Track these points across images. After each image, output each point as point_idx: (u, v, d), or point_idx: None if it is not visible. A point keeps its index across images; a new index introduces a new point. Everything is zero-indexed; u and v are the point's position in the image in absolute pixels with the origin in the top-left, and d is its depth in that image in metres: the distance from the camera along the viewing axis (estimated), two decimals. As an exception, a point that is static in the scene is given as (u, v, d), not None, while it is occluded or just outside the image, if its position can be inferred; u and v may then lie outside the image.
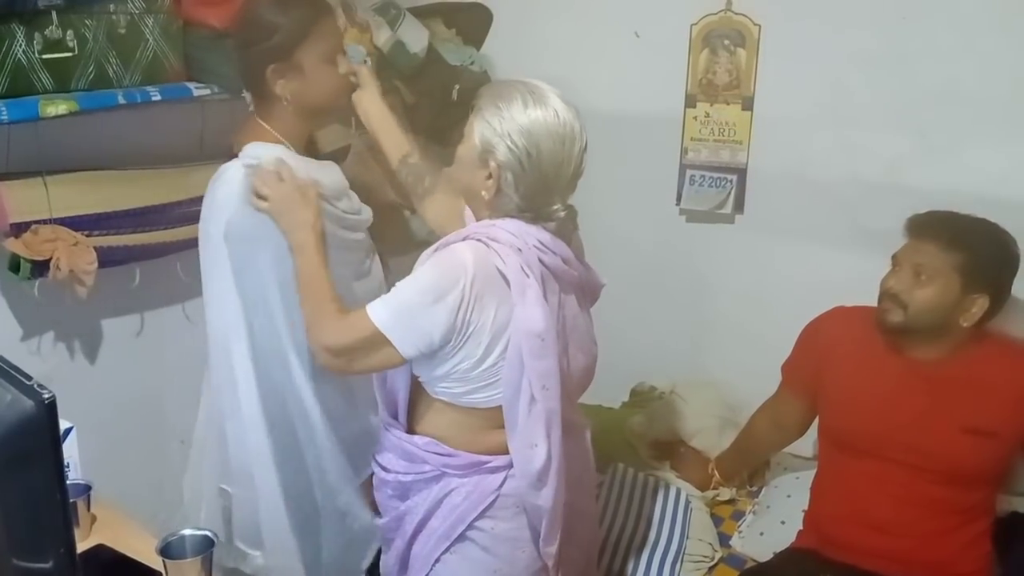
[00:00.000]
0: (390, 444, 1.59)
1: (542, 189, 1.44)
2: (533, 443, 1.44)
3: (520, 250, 1.42)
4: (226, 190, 1.59)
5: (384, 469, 1.59)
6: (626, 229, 2.60)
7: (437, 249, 1.46)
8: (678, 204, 2.49)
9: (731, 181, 2.39)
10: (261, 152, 1.61)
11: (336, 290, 1.50)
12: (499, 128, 1.41)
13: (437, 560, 1.54)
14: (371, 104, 1.78)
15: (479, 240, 1.43)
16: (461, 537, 1.52)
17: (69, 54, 1.72)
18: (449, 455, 1.51)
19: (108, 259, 1.88)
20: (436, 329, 1.39)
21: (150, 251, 1.96)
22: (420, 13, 2.55)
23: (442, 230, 1.64)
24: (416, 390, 1.56)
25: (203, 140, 2.07)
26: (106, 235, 1.89)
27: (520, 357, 1.41)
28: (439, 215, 1.74)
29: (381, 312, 1.41)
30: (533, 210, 1.45)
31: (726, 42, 2.33)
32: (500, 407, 1.46)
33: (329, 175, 1.69)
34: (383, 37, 2.36)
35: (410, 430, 1.58)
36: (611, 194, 2.59)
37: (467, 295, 1.38)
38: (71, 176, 1.85)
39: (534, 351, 1.41)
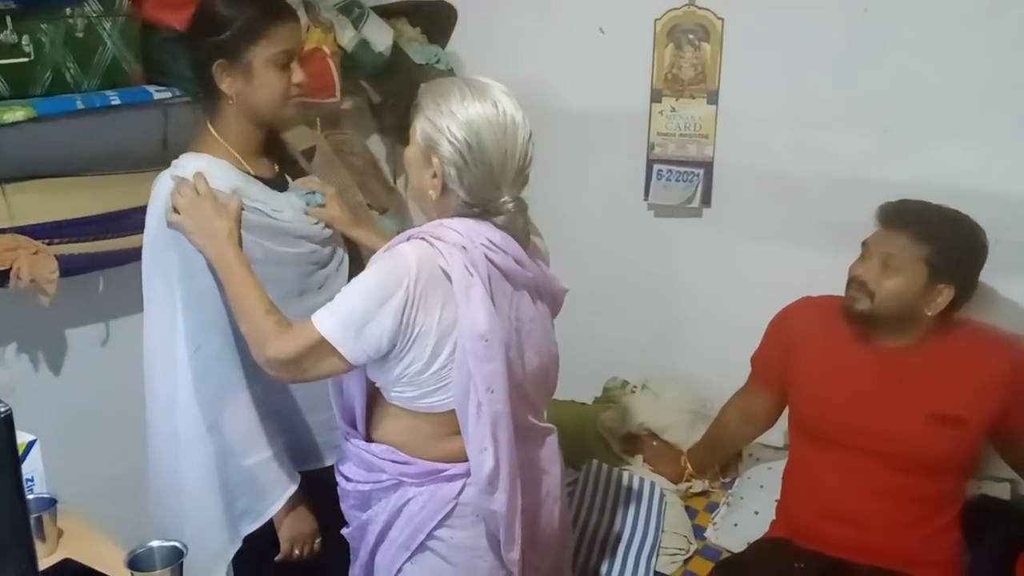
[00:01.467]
0: (350, 453, 1.57)
1: (487, 182, 1.41)
2: (483, 447, 1.42)
3: (465, 248, 1.39)
4: (153, 201, 1.59)
5: (346, 479, 1.58)
6: (595, 224, 2.61)
7: (386, 251, 1.44)
8: (646, 199, 2.49)
9: (698, 175, 2.40)
10: (189, 163, 1.60)
11: (270, 301, 1.48)
12: (439, 123, 1.39)
13: (399, 570, 1.52)
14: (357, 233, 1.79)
15: (423, 239, 1.41)
16: (421, 547, 1.50)
17: (25, 59, 1.69)
18: (406, 463, 1.49)
19: (71, 267, 1.86)
20: (384, 333, 1.37)
21: (114, 258, 1.93)
22: (384, 12, 2.54)
23: None
24: (373, 398, 1.54)
25: (166, 144, 2.05)
26: (68, 243, 1.86)
27: (466, 360, 1.39)
28: None
29: (326, 320, 1.39)
30: (481, 204, 1.43)
31: (690, 36, 2.34)
32: (454, 411, 1.44)
33: (262, 189, 1.65)
34: (347, 36, 2.34)
35: (368, 438, 1.56)
36: (579, 190, 2.60)
37: (412, 295, 1.36)
38: (31, 184, 1.82)
39: (478, 353, 1.38)
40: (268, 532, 1.68)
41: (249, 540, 1.67)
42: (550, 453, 1.63)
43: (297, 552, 1.71)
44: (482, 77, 1.46)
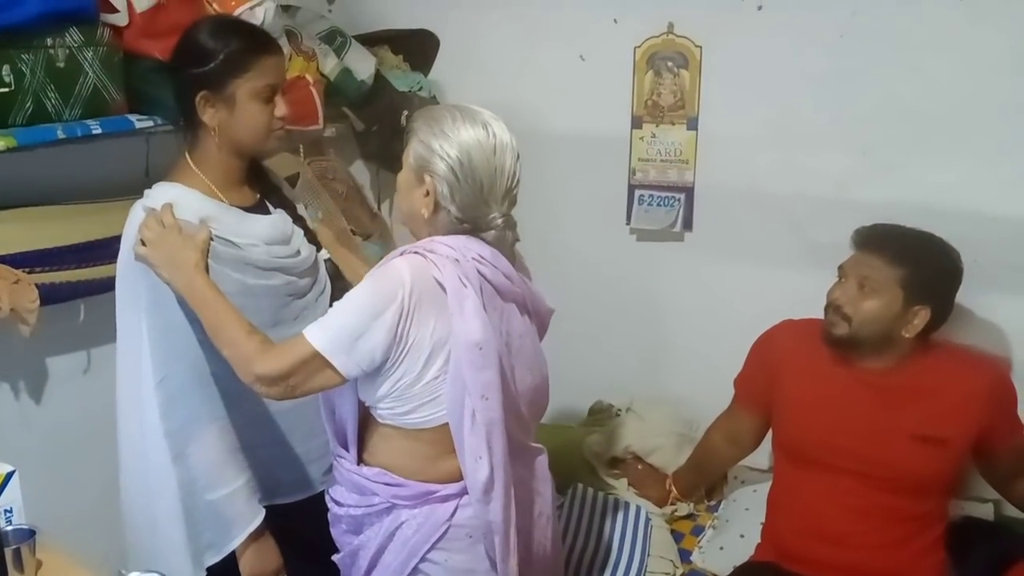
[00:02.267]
0: (341, 477, 1.57)
1: (478, 199, 1.45)
2: (477, 456, 1.44)
3: (458, 261, 1.43)
4: (126, 230, 1.59)
5: (337, 504, 1.58)
6: (579, 250, 2.62)
7: (379, 266, 1.46)
8: (628, 224, 2.51)
9: (679, 200, 2.42)
10: (159, 193, 1.60)
11: (249, 323, 1.47)
12: (432, 144, 1.44)
13: None
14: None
15: (416, 252, 1.45)
16: (415, 571, 1.50)
17: (6, 89, 1.69)
18: (399, 485, 1.50)
19: (52, 296, 1.84)
20: (377, 346, 1.38)
21: (95, 286, 1.92)
22: (367, 40, 2.56)
23: None
24: (365, 420, 1.55)
25: (148, 172, 2.04)
26: (49, 271, 1.85)
27: (460, 370, 1.41)
28: None
29: (319, 335, 1.40)
30: (471, 221, 1.47)
31: (669, 64, 2.37)
32: (445, 429, 1.45)
33: (236, 219, 1.63)
34: (329, 65, 2.36)
35: (360, 461, 1.56)
36: (563, 216, 2.61)
37: (406, 308, 1.38)
38: (11, 213, 1.81)
39: (473, 362, 1.41)
40: (234, 563, 1.65)
41: (215, 571, 1.64)
42: (542, 473, 1.64)
43: None
44: (472, 105, 1.50)
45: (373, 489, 1.52)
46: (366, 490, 1.52)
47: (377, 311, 1.38)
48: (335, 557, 1.62)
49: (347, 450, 1.57)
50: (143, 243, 1.53)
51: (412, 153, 1.47)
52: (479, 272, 1.45)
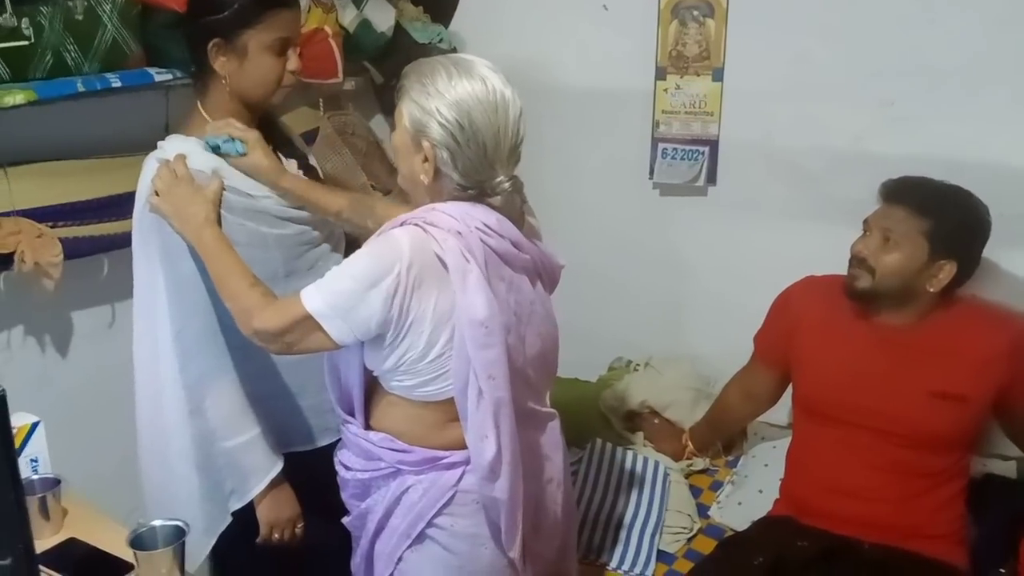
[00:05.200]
0: (348, 441, 1.57)
1: (482, 162, 1.37)
2: (484, 435, 1.41)
3: (460, 233, 1.36)
4: (139, 184, 1.59)
5: (345, 468, 1.57)
6: (600, 204, 2.59)
7: (379, 235, 1.42)
8: (651, 178, 2.47)
9: (703, 153, 2.38)
10: (172, 145, 1.60)
11: (254, 276, 1.47)
12: (427, 105, 1.35)
13: (400, 558, 1.51)
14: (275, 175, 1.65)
15: (416, 225, 1.38)
16: (421, 535, 1.49)
17: (25, 43, 1.69)
18: (404, 451, 1.48)
19: (74, 251, 1.87)
20: (371, 316, 1.35)
21: (117, 241, 1.93)
22: (386, -9, 2.52)
23: None
24: (371, 385, 1.53)
25: (168, 126, 2.04)
26: (71, 226, 1.87)
27: (465, 347, 1.37)
28: None
29: (314, 297, 1.37)
30: (476, 186, 1.40)
31: (695, 12, 2.31)
32: (453, 399, 1.43)
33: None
34: (348, 17, 2.33)
35: (367, 426, 1.55)
36: (584, 169, 2.58)
37: (403, 282, 1.34)
38: (33, 167, 1.82)
39: (477, 340, 1.36)
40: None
41: (240, 517, 1.68)
42: (552, 439, 1.61)
43: (276, 536, 1.70)
44: (466, 55, 1.43)
45: (379, 454, 1.50)
46: (372, 455, 1.51)
47: (372, 281, 1.34)
48: (344, 520, 1.62)
49: (353, 415, 1.55)
50: (157, 194, 1.53)
51: (406, 115, 1.39)
52: (484, 243, 1.39)
